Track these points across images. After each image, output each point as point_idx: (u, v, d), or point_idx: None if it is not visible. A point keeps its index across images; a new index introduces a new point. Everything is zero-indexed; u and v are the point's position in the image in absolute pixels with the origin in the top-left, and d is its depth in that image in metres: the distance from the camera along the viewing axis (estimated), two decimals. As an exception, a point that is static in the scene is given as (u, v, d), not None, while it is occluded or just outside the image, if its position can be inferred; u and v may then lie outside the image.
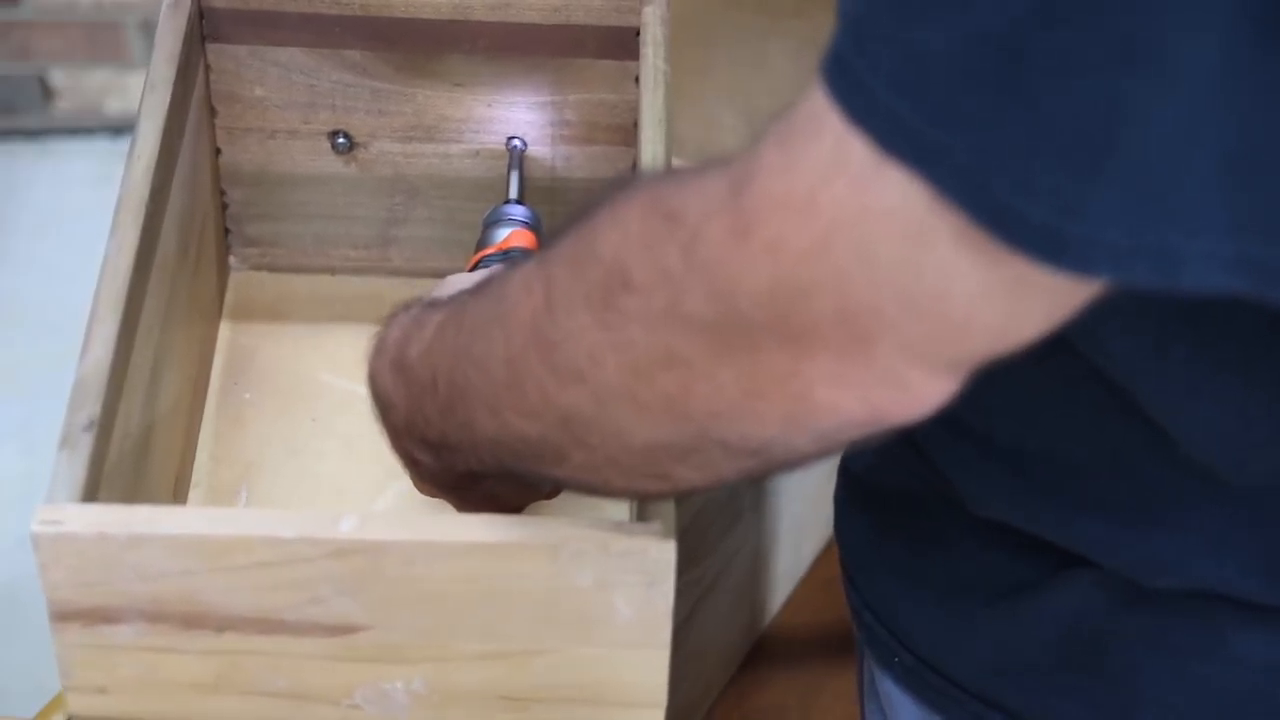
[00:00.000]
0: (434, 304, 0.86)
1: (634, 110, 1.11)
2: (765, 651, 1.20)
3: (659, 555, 0.83)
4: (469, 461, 0.82)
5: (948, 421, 0.75)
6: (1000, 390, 0.75)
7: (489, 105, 1.12)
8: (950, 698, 0.91)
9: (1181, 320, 0.71)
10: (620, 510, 0.98)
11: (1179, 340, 0.74)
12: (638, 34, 1.09)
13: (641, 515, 0.85)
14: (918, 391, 0.66)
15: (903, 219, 0.62)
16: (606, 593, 0.84)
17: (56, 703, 1.13)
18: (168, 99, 1.01)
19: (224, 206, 1.16)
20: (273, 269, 1.19)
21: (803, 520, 1.23)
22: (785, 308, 0.65)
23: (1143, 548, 0.83)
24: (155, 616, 0.85)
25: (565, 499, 1.01)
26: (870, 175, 0.61)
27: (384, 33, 1.10)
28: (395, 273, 1.19)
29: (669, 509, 0.84)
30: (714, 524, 1.11)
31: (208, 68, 1.11)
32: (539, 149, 1.14)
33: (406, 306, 0.88)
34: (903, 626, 0.93)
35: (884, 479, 0.94)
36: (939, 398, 0.67)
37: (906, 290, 0.63)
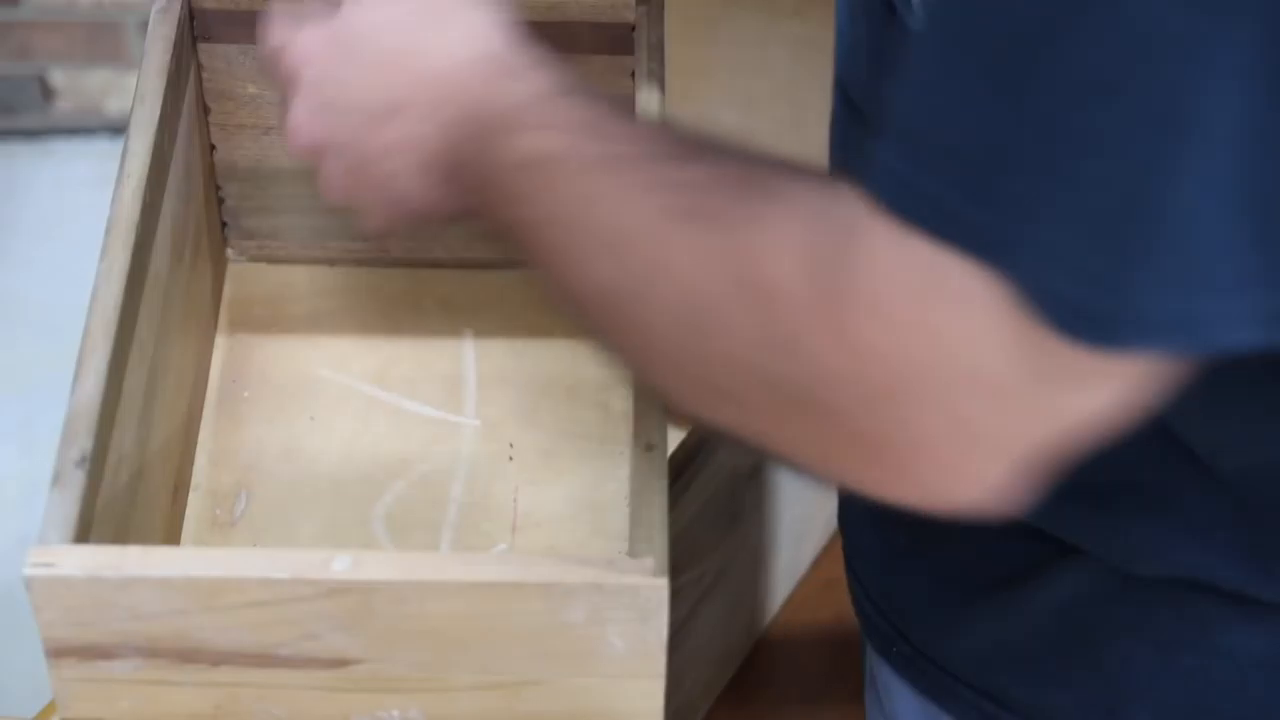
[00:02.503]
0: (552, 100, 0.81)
1: (630, 105, 1.10)
2: (765, 651, 1.21)
3: (651, 593, 0.83)
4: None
5: None
6: None
7: (484, 101, 1.11)
8: (945, 687, 0.92)
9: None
10: (613, 546, 0.98)
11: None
12: (633, 30, 1.08)
13: (633, 551, 0.85)
14: (980, 482, 0.67)
15: (992, 331, 0.63)
16: (600, 628, 0.84)
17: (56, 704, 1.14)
18: (158, 111, 1.00)
19: (220, 201, 1.15)
20: (271, 260, 1.18)
21: (803, 520, 1.22)
22: (866, 407, 0.66)
23: (1127, 534, 0.83)
24: (151, 653, 0.85)
25: (559, 535, 1.01)
26: (958, 291, 0.63)
27: (376, 31, 1.08)
28: (395, 263, 1.18)
29: (661, 546, 0.85)
30: (714, 524, 1.11)
31: (199, 67, 1.10)
32: (536, 142, 1.13)
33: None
34: (901, 616, 0.94)
35: None
36: (1002, 489, 0.67)
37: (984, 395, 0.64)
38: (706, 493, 1.09)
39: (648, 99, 1.03)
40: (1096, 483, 0.81)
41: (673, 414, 0.86)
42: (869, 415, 0.66)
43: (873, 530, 0.96)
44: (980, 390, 0.64)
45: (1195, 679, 0.85)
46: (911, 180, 0.64)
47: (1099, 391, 0.65)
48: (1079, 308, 0.62)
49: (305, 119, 0.89)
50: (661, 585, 0.83)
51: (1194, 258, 0.60)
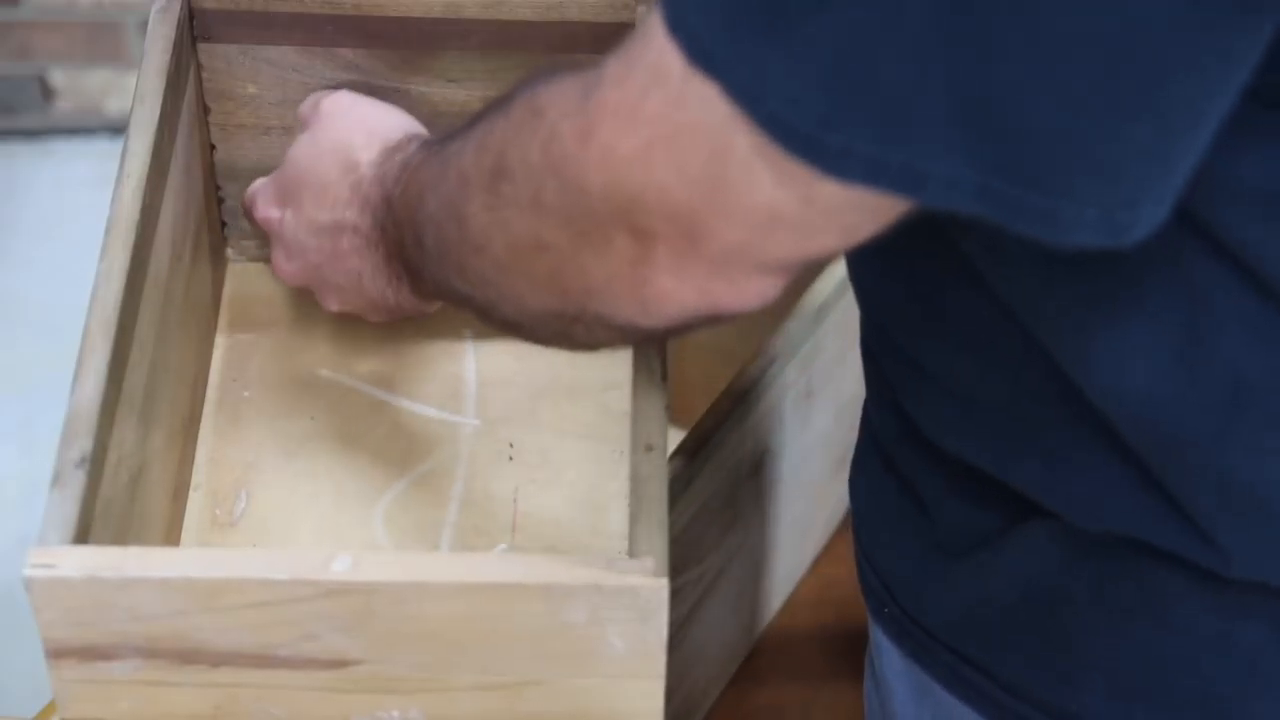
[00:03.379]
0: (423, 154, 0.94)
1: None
2: (765, 651, 1.21)
3: (651, 593, 0.83)
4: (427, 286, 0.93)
5: (891, 349, 0.89)
6: (926, 324, 0.86)
7: (483, 101, 1.11)
8: (926, 648, 0.94)
9: (1064, 261, 0.73)
10: (613, 546, 0.98)
11: (1062, 281, 0.78)
12: (633, 30, 1.07)
13: (633, 551, 0.85)
14: (744, 287, 0.75)
15: (707, 131, 0.70)
16: (600, 628, 0.84)
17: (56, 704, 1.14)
18: (158, 111, 1.00)
19: (220, 201, 1.15)
20: (271, 260, 1.18)
21: (803, 520, 1.22)
22: (623, 206, 0.74)
23: (1068, 487, 0.84)
24: (150, 653, 0.85)
25: (559, 535, 1.01)
26: (680, 88, 0.69)
27: (376, 31, 1.09)
28: (394, 263, 1.18)
29: (661, 546, 0.85)
30: (714, 524, 1.11)
31: (199, 67, 1.10)
32: (535, 142, 1.13)
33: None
34: (891, 578, 0.96)
35: (884, 433, 0.95)
36: (764, 294, 0.76)
37: (718, 198, 0.71)
38: (706, 493, 1.09)
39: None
40: (1037, 435, 0.84)
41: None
42: (618, 220, 0.74)
43: (871, 494, 0.97)
44: (723, 197, 0.71)
45: (1149, 652, 0.86)
46: (681, 8, 0.69)
47: (829, 215, 0.71)
48: (800, 132, 0.67)
49: (283, 261, 1.06)
50: (661, 585, 0.83)
51: (900, 115, 0.66)
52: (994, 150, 0.66)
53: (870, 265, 0.89)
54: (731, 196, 0.71)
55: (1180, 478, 0.81)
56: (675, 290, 0.76)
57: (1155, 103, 0.65)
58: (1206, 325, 0.77)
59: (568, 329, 0.83)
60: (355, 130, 1.02)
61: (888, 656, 0.97)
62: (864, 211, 0.71)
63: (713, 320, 0.78)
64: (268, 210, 1.06)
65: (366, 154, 0.99)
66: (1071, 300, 0.78)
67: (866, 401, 0.97)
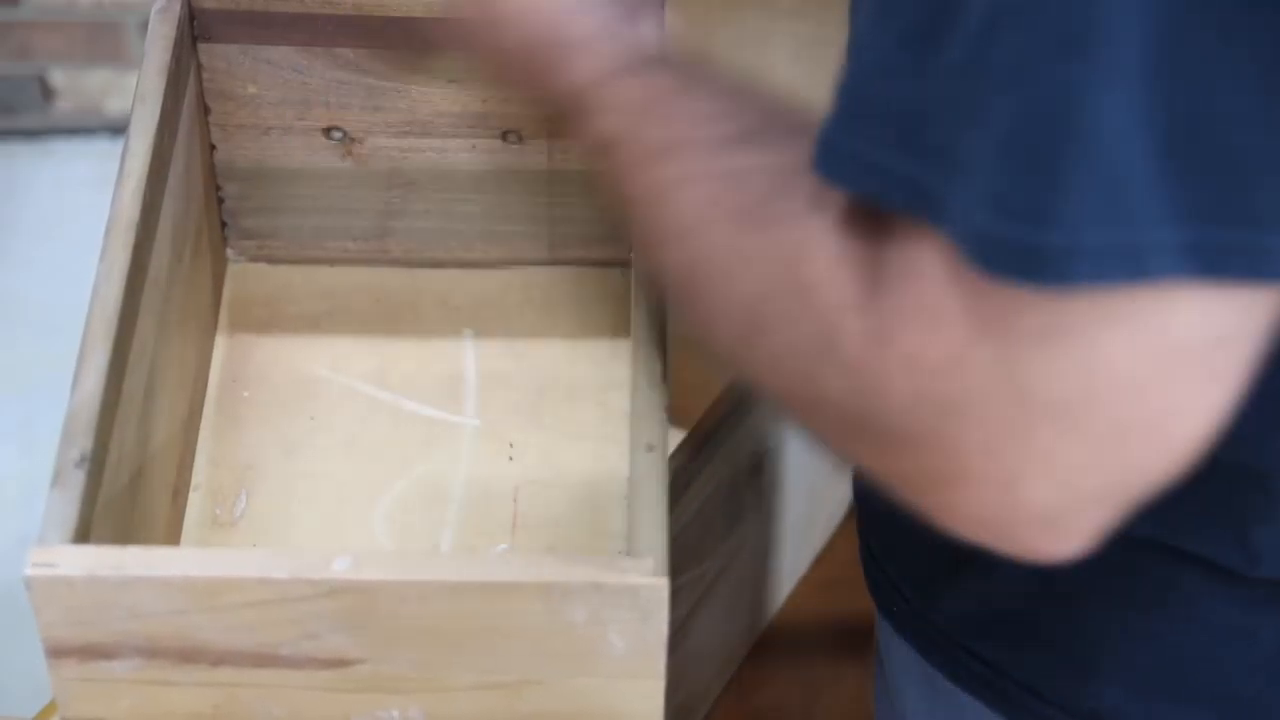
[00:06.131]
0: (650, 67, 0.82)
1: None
2: (765, 651, 1.21)
3: (651, 593, 0.83)
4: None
5: None
6: None
7: (484, 101, 1.11)
8: (937, 644, 0.93)
9: None
10: (613, 546, 0.98)
11: None
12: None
13: (633, 550, 0.85)
14: (1073, 530, 0.65)
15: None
16: (600, 628, 0.84)
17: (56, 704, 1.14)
18: (158, 111, 1.00)
19: (220, 201, 1.15)
20: (271, 260, 1.18)
21: (803, 520, 1.22)
22: (929, 424, 0.63)
23: None
24: (151, 652, 0.85)
25: (559, 535, 1.01)
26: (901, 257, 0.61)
27: (376, 31, 1.09)
28: (394, 263, 1.18)
29: (661, 546, 0.84)
30: (714, 523, 1.11)
31: (199, 67, 1.10)
32: (535, 142, 1.13)
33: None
34: (900, 575, 0.95)
35: None
36: (1094, 532, 0.65)
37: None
38: (706, 493, 1.09)
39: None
40: None
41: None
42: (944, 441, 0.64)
43: (879, 493, 0.96)
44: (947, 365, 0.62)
45: (1168, 646, 0.86)
46: (841, 145, 0.63)
47: (1065, 344, 0.62)
48: (1010, 245, 0.59)
49: None
50: (661, 585, 0.83)
51: (1116, 188, 0.58)
52: (1206, 196, 0.59)
53: None
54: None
55: (1227, 487, 0.79)
56: (974, 530, 0.67)
57: None
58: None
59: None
60: None
61: (897, 653, 0.97)
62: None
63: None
64: None
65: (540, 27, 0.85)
66: None
67: None
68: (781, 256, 0.68)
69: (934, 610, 0.93)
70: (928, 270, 0.62)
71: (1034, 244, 0.59)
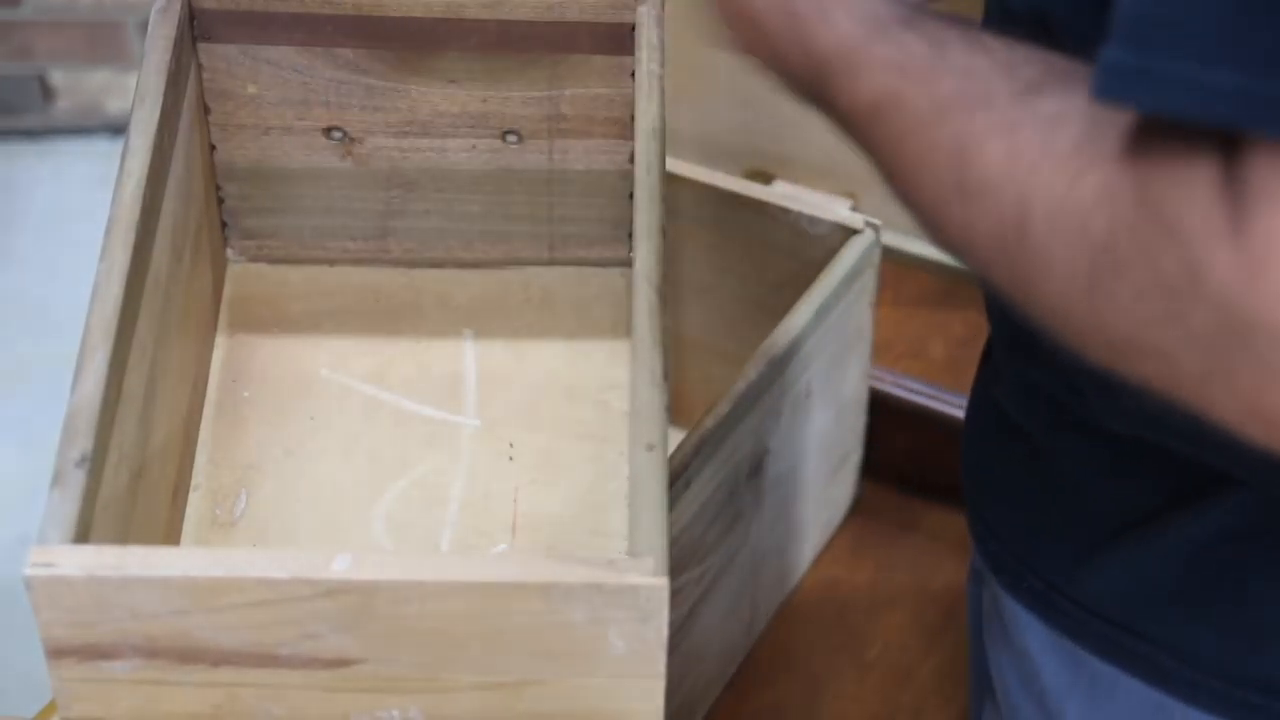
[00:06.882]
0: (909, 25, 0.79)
1: (630, 104, 1.10)
2: (765, 651, 1.20)
3: (651, 593, 0.83)
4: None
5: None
6: None
7: (484, 101, 1.11)
8: (1081, 622, 0.91)
9: None
10: (613, 546, 0.98)
11: None
12: (633, 29, 1.08)
13: (633, 550, 0.85)
14: None
15: None
16: (600, 628, 0.84)
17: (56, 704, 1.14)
18: (158, 111, 1.00)
19: (220, 201, 1.15)
20: (271, 260, 1.18)
21: (803, 520, 1.22)
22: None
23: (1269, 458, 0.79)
24: (150, 653, 0.85)
25: (559, 535, 1.01)
26: None
27: (376, 31, 1.09)
28: (395, 263, 1.18)
29: (661, 546, 0.84)
30: (714, 524, 1.11)
31: (199, 67, 1.10)
32: (535, 142, 1.13)
33: None
34: (1029, 554, 0.93)
35: (1031, 423, 0.93)
36: None
37: None
38: (706, 493, 1.09)
39: (648, 99, 1.03)
40: None
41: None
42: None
43: (997, 464, 0.95)
44: None
45: None
46: (1157, 69, 0.61)
47: None
48: None
49: None
50: (661, 585, 0.83)
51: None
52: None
53: None
54: None
55: None
56: None
57: None
58: None
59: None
60: None
61: (1031, 632, 0.94)
62: None
63: None
64: None
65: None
66: None
67: (996, 400, 0.95)
68: (1124, 194, 0.66)
69: (1074, 588, 0.91)
70: None
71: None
